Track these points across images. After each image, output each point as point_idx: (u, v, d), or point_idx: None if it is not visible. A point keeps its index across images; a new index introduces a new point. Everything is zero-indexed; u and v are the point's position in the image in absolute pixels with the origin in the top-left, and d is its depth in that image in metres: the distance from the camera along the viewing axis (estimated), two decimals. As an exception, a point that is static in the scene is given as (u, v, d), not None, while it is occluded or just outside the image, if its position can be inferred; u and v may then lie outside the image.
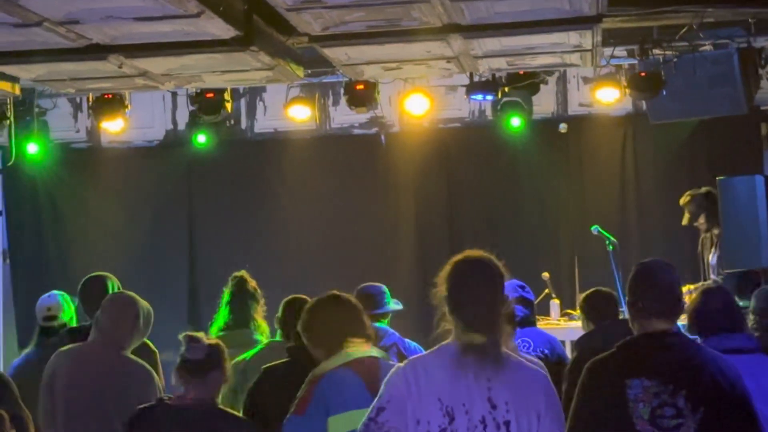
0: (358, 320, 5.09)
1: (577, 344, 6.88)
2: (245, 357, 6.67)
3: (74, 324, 7.30)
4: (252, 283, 7.58)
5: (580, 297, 7.32)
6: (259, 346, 6.75)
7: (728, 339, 5.39)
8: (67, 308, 7.43)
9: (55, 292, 7.66)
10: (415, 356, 4.40)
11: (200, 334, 5.29)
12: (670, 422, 4.43)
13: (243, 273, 7.65)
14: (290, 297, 6.72)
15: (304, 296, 6.71)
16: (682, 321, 7.73)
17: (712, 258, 10.15)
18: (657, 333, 4.59)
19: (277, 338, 6.84)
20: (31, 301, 11.90)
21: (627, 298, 4.74)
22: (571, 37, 8.01)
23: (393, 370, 4.28)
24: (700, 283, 8.03)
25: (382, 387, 4.23)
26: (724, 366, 4.58)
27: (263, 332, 7.31)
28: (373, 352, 4.98)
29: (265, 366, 5.85)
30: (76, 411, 5.97)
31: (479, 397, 4.09)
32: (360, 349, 4.94)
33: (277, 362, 5.89)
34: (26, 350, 7.35)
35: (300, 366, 5.25)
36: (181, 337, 5.29)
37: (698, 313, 5.59)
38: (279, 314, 6.71)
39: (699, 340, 5.46)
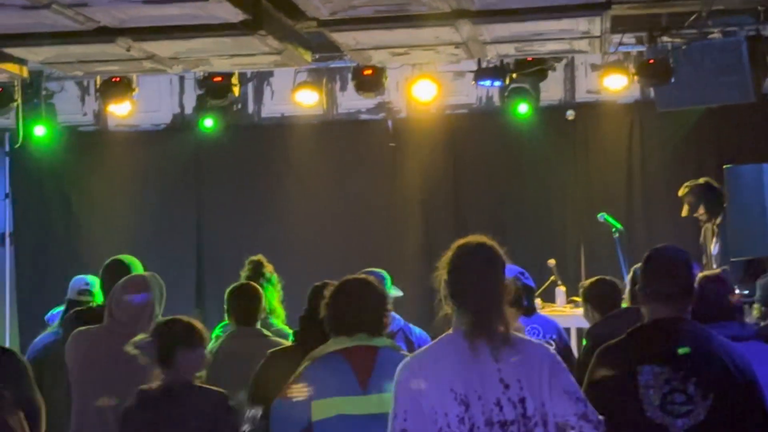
0: (381, 309, 4.96)
1: (589, 334, 6.87)
2: (210, 349, 6.68)
3: None
4: (269, 268, 7.54)
5: (584, 285, 7.31)
6: (221, 339, 6.71)
7: (723, 327, 5.37)
8: (98, 291, 7.43)
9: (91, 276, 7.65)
10: (419, 350, 4.39)
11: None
12: (680, 409, 4.44)
13: (260, 257, 7.62)
14: (236, 284, 6.72)
15: (251, 282, 6.70)
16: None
17: (714, 248, 10.14)
18: (668, 319, 4.59)
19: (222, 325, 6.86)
20: (34, 284, 12.05)
21: (639, 283, 4.73)
22: (580, 24, 7.97)
23: (399, 368, 4.22)
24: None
25: (395, 393, 4.18)
26: (735, 353, 4.58)
27: (279, 317, 7.27)
28: (374, 341, 4.88)
29: (271, 350, 5.85)
30: (90, 392, 5.98)
31: (490, 379, 4.09)
32: (361, 337, 4.86)
33: (283, 347, 5.89)
34: (53, 328, 7.34)
35: (305, 350, 5.25)
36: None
37: (698, 302, 5.58)
38: (225, 305, 6.69)
39: None
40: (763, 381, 4.85)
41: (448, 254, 4.26)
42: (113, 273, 6.80)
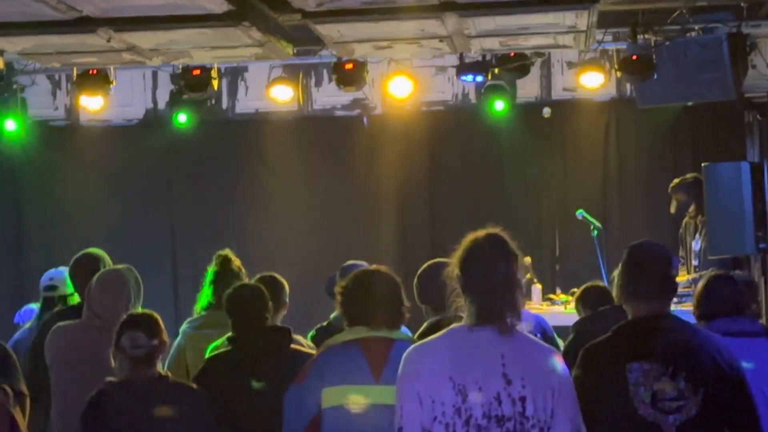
0: (398, 302, 4.93)
1: (575, 329, 6.84)
2: None
3: (75, 300, 7.21)
4: (236, 262, 7.45)
5: (576, 293, 7.32)
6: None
7: (734, 322, 5.48)
8: (70, 283, 7.34)
9: (62, 268, 7.56)
10: (423, 340, 4.31)
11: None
12: (672, 405, 4.41)
13: (227, 252, 7.52)
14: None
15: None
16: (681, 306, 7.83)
17: (695, 243, 10.16)
18: (652, 316, 4.56)
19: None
20: (7, 281, 11.87)
21: (619, 281, 4.69)
22: (567, 18, 7.94)
23: (402, 359, 4.14)
24: (707, 272, 8.06)
25: (396, 386, 4.10)
26: (722, 347, 4.56)
27: None
28: (393, 333, 4.86)
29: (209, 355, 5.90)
30: (73, 388, 5.91)
31: (493, 373, 3.99)
32: (378, 328, 4.84)
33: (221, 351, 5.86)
34: (28, 324, 7.30)
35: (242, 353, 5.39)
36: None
37: (706, 298, 5.70)
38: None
39: (704, 323, 5.53)
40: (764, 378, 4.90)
41: (460, 247, 4.16)
42: (84, 267, 6.80)
